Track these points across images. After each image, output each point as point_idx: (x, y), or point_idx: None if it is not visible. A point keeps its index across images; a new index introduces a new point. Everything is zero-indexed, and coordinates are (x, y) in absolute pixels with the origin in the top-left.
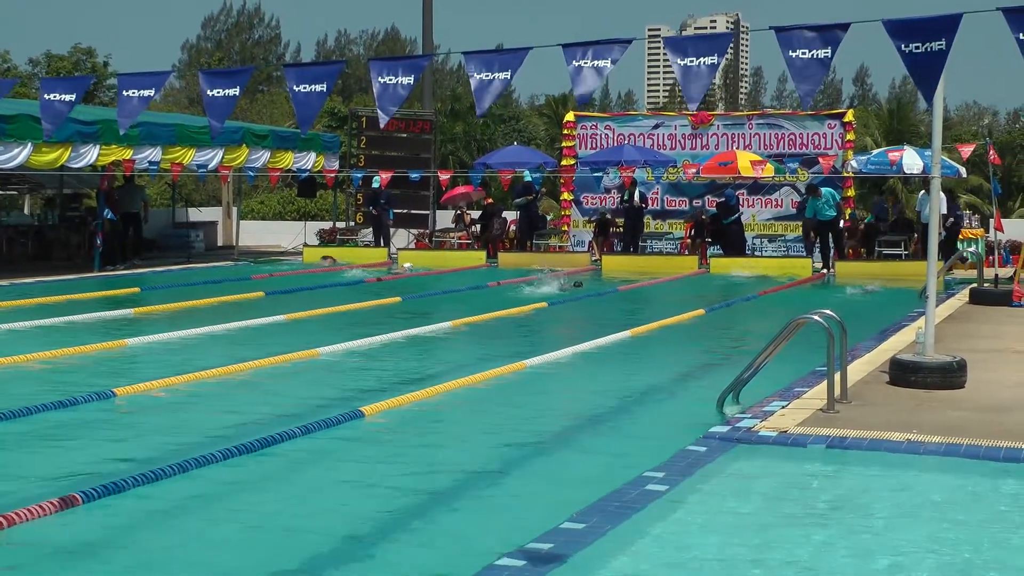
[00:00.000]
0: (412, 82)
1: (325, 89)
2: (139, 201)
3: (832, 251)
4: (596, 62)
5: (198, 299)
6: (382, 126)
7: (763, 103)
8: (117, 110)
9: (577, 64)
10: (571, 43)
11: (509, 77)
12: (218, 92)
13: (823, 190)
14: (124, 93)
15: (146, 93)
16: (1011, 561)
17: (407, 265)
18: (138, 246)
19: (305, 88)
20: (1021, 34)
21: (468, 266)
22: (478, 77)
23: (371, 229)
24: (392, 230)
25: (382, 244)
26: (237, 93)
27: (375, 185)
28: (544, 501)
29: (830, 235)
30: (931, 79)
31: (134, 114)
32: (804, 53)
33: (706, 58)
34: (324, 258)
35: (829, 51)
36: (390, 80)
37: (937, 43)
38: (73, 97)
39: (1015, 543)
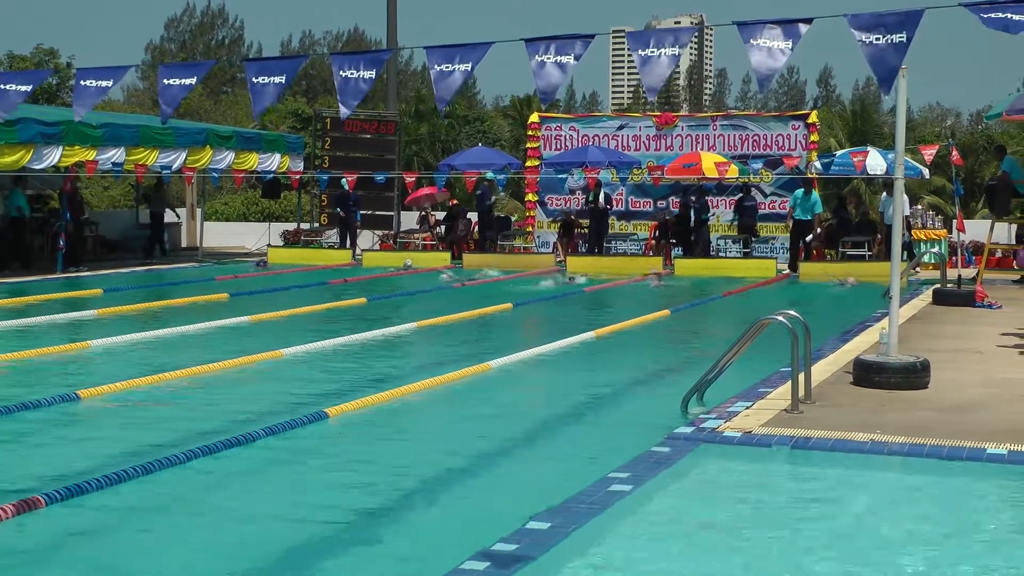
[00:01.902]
0: (374, 76)
1: (284, 81)
2: (166, 203)
3: (800, 252)
4: (559, 57)
5: (162, 301)
6: (343, 117)
7: (727, 104)
8: (73, 98)
9: (539, 59)
10: (533, 38)
11: (470, 69)
12: (174, 80)
13: (814, 192)
14: (81, 83)
15: (104, 83)
16: (975, 561)
17: (407, 262)
18: (162, 246)
19: (263, 80)
20: (982, 15)
21: (433, 267)
22: (439, 69)
23: (336, 230)
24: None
25: (348, 245)
26: (193, 83)
27: (343, 187)
28: (510, 502)
29: (801, 237)
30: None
31: (89, 103)
32: (766, 42)
33: (667, 49)
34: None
35: (790, 44)
36: (352, 74)
37: (898, 35)
38: (28, 88)
39: (978, 543)
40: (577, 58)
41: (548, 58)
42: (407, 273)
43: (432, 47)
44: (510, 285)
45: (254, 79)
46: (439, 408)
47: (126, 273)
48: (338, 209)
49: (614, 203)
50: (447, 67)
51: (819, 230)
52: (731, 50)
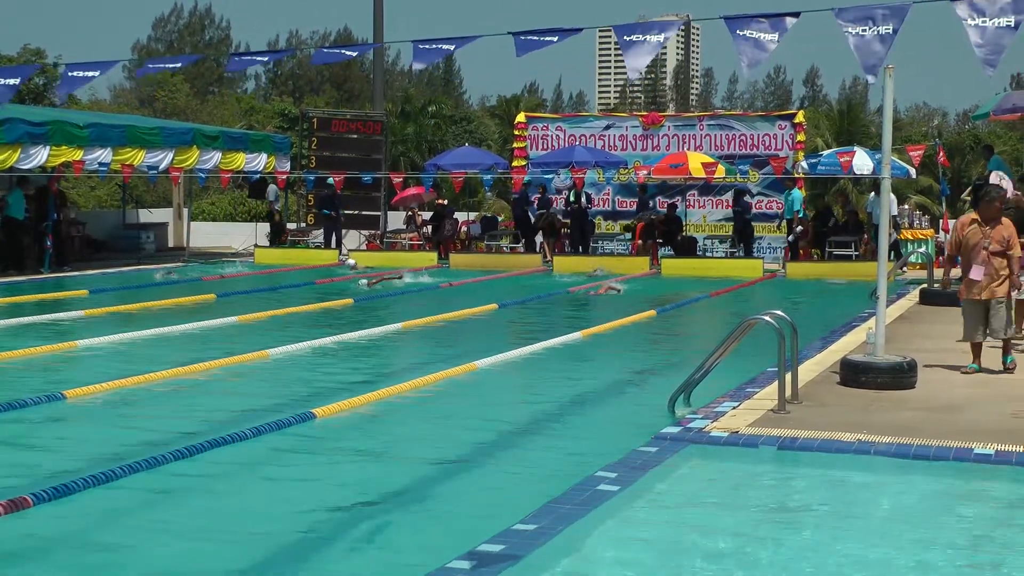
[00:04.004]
0: (354, 55)
1: (267, 60)
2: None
3: (785, 251)
4: (543, 37)
5: (148, 301)
6: (312, 63)
7: (714, 104)
8: (59, 87)
9: (525, 39)
10: (520, 31)
11: (452, 49)
12: (158, 64)
13: (794, 191)
14: (69, 74)
15: (90, 73)
16: (961, 560)
17: (350, 262)
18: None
19: (246, 59)
20: (968, 19)
21: (420, 267)
22: (422, 48)
23: (322, 230)
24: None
25: (334, 246)
26: (178, 66)
27: (330, 187)
28: (496, 502)
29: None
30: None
31: (72, 88)
32: (752, 34)
33: (652, 36)
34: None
35: (777, 36)
36: (333, 51)
37: (884, 27)
38: (16, 81)
39: (964, 542)
40: (560, 38)
41: (533, 39)
42: (353, 277)
43: (419, 40)
44: (499, 284)
45: (237, 58)
46: (425, 408)
47: (113, 273)
48: (325, 210)
49: (595, 202)
50: (431, 47)
51: (799, 228)
52: (718, 50)
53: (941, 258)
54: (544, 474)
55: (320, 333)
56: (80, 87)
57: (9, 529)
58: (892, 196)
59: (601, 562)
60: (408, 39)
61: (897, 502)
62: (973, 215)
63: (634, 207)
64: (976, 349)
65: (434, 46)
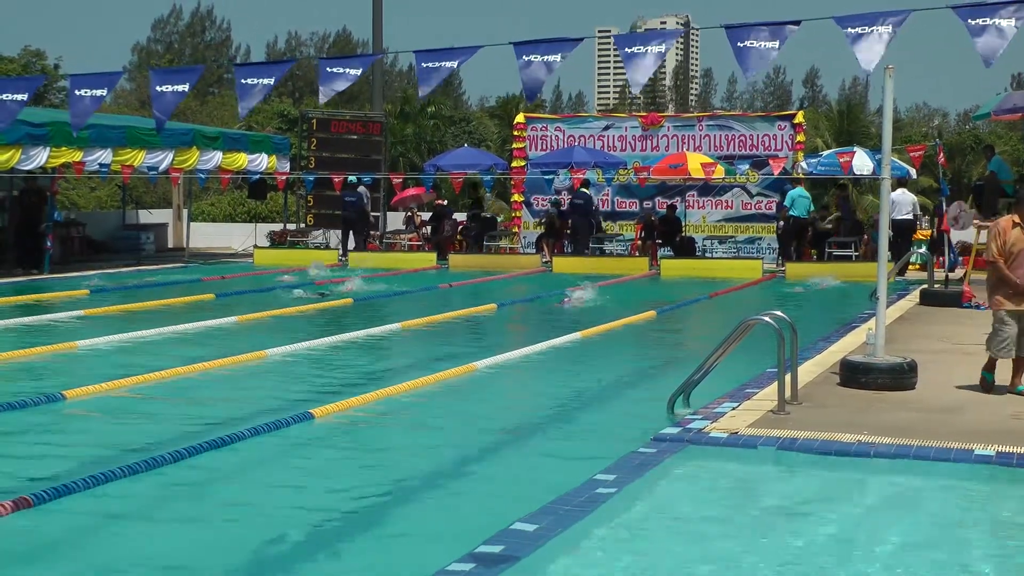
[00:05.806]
0: (359, 74)
1: (272, 82)
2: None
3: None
4: (545, 57)
5: (148, 301)
6: (321, 102)
7: (713, 104)
8: (69, 110)
9: (526, 59)
10: (521, 41)
11: (456, 66)
12: (167, 88)
13: (795, 189)
14: (76, 93)
15: (98, 93)
16: (960, 562)
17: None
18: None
19: (252, 81)
20: (969, 20)
21: (419, 268)
22: (425, 66)
23: (336, 232)
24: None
25: (351, 248)
26: (186, 89)
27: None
28: (495, 503)
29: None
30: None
31: (86, 114)
32: (753, 43)
33: (654, 47)
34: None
35: (777, 43)
36: (337, 70)
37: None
38: (24, 97)
39: (964, 544)
40: (563, 57)
41: (535, 57)
42: (383, 275)
43: (421, 51)
44: (498, 285)
45: (243, 80)
46: (424, 409)
47: (113, 273)
48: (346, 210)
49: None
50: (434, 64)
51: (781, 223)
52: (717, 50)
53: (941, 259)
54: (543, 475)
55: (319, 333)
56: (93, 110)
57: (10, 529)
58: (911, 196)
59: (600, 563)
60: (409, 48)
61: (897, 503)
62: (1014, 217)
63: (634, 207)
64: (1019, 364)
65: (436, 63)
